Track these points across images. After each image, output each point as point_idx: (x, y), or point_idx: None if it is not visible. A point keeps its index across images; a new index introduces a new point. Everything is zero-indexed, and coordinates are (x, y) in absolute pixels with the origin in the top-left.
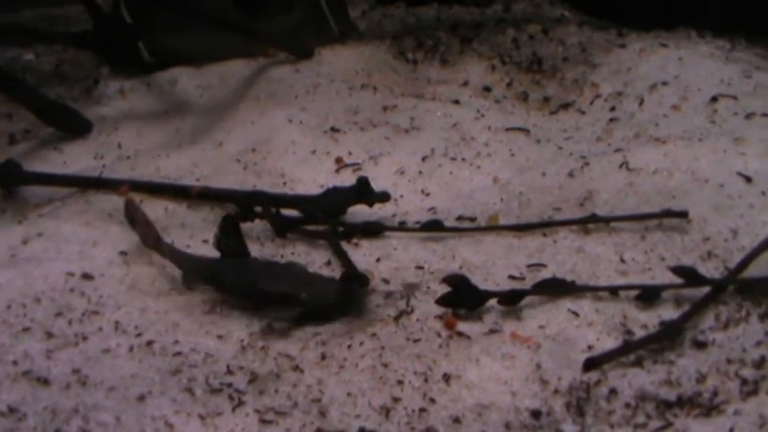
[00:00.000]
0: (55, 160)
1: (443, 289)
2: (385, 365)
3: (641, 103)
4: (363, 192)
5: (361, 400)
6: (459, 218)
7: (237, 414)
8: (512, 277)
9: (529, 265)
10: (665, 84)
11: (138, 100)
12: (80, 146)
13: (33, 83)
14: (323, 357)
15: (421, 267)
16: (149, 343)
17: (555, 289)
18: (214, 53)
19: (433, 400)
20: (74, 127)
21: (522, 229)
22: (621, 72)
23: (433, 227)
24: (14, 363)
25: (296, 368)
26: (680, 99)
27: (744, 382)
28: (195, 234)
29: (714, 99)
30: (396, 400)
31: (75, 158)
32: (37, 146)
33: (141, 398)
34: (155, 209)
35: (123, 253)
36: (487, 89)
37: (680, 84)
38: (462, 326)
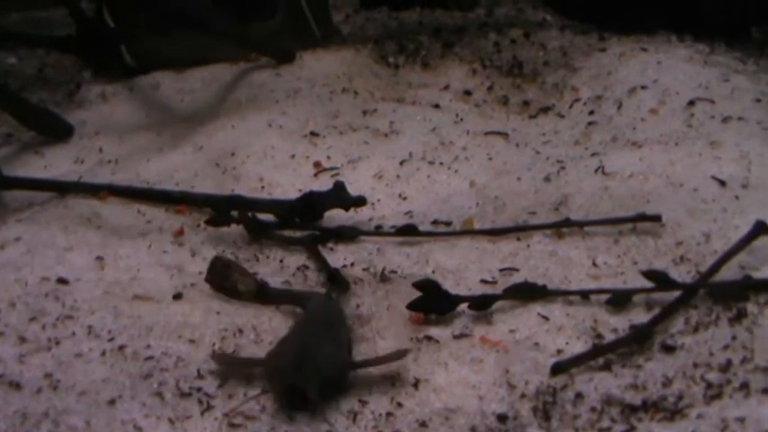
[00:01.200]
0: (36, 164)
1: (415, 294)
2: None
3: (620, 107)
4: (339, 196)
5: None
6: (435, 222)
7: (206, 418)
8: (484, 281)
9: (501, 270)
10: (643, 88)
11: (120, 104)
12: (61, 150)
13: (16, 87)
14: None
15: (394, 272)
16: (121, 347)
17: (526, 293)
18: (196, 57)
19: (400, 404)
20: (55, 131)
21: (496, 233)
22: (601, 76)
23: (407, 231)
24: None
25: None
26: (658, 103)
27: (708, 385)
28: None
29: (691, 103)
30: (363, 403)
31: (57, 163)
32: (18, 150)
33: (112, 402)
34: (131, 213)
35: (99, 258)
36: (468, 93)
37: (658, 88)
38: (432, 330)
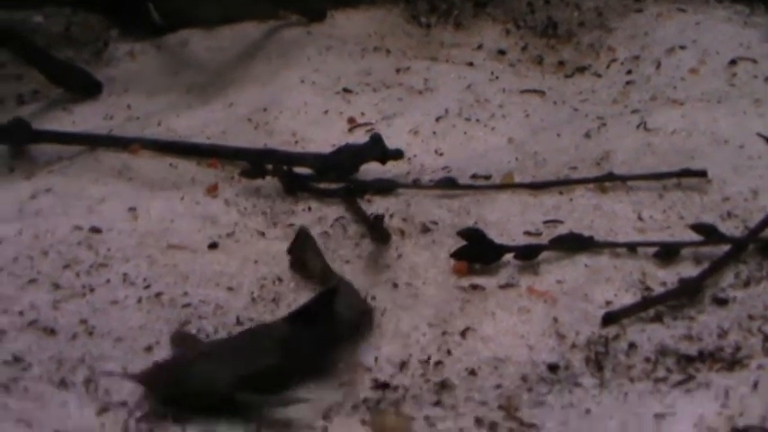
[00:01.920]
0: (64, 121)
1: (458, 243)
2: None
3: (658, 67)
4: (376, 149)
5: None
6: (474, 176)
7: None
8: (528, 233)
9: (545, 222)
10: (682, 48)
11: (148, 62)
12: (90, 107)
13: (42, 45)
14: None
15: (435, 223)
16: (158, 295)
17: (572, 244)
18: (225, 15)
19: (448, 352)
20: (84, 88)
21: (537, 186)
22: (638, 36)
23: (447, 184)
24: (20, 313)
25: None
26: (698, 62)
27: (766, 337)
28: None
29: (733, 62)
30: (410, 353)
31: (85, 119)
32: (46, 107)
33: (149, 348)
34: (163, 166)
35: (132, 209)
36: (502, 53)
37: (698, 48)
38: (477, 280)
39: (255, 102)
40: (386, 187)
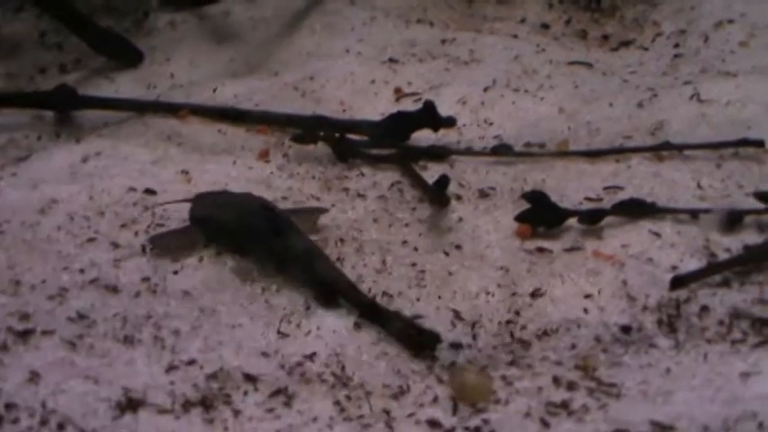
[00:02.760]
0: (107, 89)
1: (519, 208)
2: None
3: (706, 41)
4: (429, 116)
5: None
6: (527, 144)
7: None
8: (588, 199)
9: (605, 188)
10: (730, 21)
11: (190, 32)
12: (132, 75)
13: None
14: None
15: (492, 188)
16: (219, 253)
17: (635, 210)
18: None
19: (519, 313)
20: (125, 57)
21: (594, 154)
22: (684, 10)
23: (502, 151)
24: (81, 271)
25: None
26: (747, 36)
27: None
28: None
29: None
30: (481, 313)
31: (128, 88)
32: (88, 75)
33: (212, 306)
34: (212, 132)
35: (184, 172)
36: (545, 26)
37: (746, 21)
38: (542, 243)
39: (301, 71)
40: (440, 153)
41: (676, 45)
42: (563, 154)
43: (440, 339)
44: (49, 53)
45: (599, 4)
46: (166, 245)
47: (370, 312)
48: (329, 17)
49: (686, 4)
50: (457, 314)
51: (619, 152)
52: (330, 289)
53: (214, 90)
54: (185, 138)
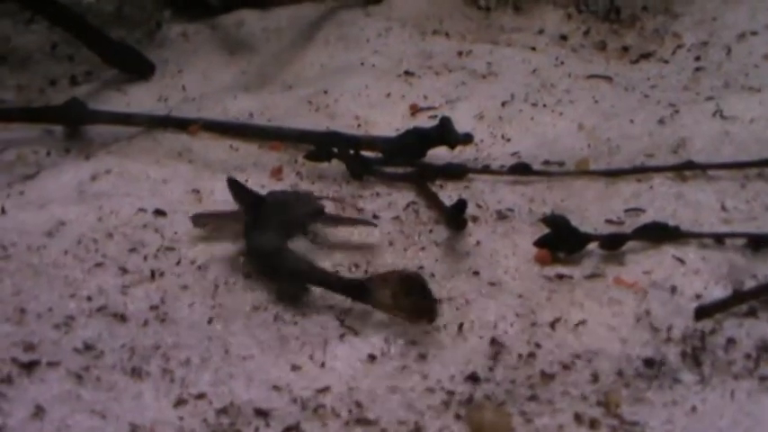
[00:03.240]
0: (118, 102)
1: (538, 231)
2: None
3: (729, 53)
4: (445, 133)
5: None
6: (546, 163)
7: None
8: (609, 221)
9: (626, 210)
10: (753, 33)
11: (203, 43)
12: (143, 88)
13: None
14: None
15: (511, 210)
16: (230, 281)
17: (658, 234)
18: None
19: (539, 345)
20: (137, 69)
21: (614, 174)
22: (705, 22)
23: (520, 170)
24: (89, 298)
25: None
26: None
27: None
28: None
29: None
30: (501, 345)
31: (139, 100)
32: (100, 87)
33: (222, 336)
34: (223, 148)
35: (195, 191)
36: (564, 38)
37: None
38: (562, 269)
39: (315, 84)
40: (456, 172)
41: (697, 58)
42: (583, 173)
43: (435, 308)
44: (60, 65)
45: (618, 15)
46: (206, 223)
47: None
48: (344, 28)
49: (708, 15)
50: (472, 344)
51: (640, 172)
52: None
53: (221, 105)
54: (196, 154)
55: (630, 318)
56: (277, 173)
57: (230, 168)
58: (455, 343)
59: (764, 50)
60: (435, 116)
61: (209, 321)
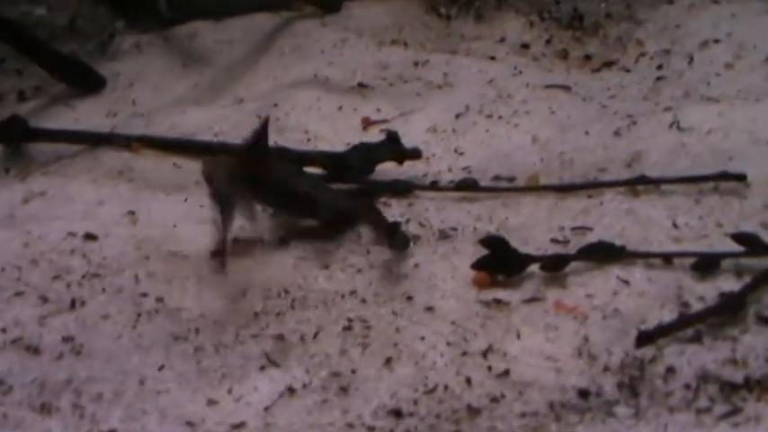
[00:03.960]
0: (66, 117)
1: (480, 252)
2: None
3: (691, 62)
4: (393, 148)
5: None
6: (496, 178)
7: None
8: (554, 241)
9: (573, 228)
10: (716, 41)
11: (155, 55)
12: (93, 103)
13: (45, 38)
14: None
15: (454, 229)
16: (154, 308)
17: (603, 254)
18: (235, 6)
19: (468, 377)
20: (86, 83)
21: (564, 189)
22: (669, 29)
23: (467, 186)
24: (3, 330)
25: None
26: (733, 57)
27: None
28: None
29: None
30: (426, 375)
31: (88, 115)
32: (48, 103)
33: (139, 369)
34: (166, 166)
35: (131, 212)
36: (525, 46)
37: (733, 41)
38: (500, 293)
39: (266, 97)
40: (402, 189)
41: (659, 66)
42: (532, 189)
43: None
44: (7, 80)
45: (582, 22)
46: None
47: None
48: (299, 39)
49: (671, 23)
50: (399, 377)
51: (591, 187)
52: None
53: (166, 121)
54: (137, 173)
55: (568, 345)
56: None
57: (170, 187)
58: (380, 375)
59: (726, 59)
60: (387, 129)
61: (127, 353)
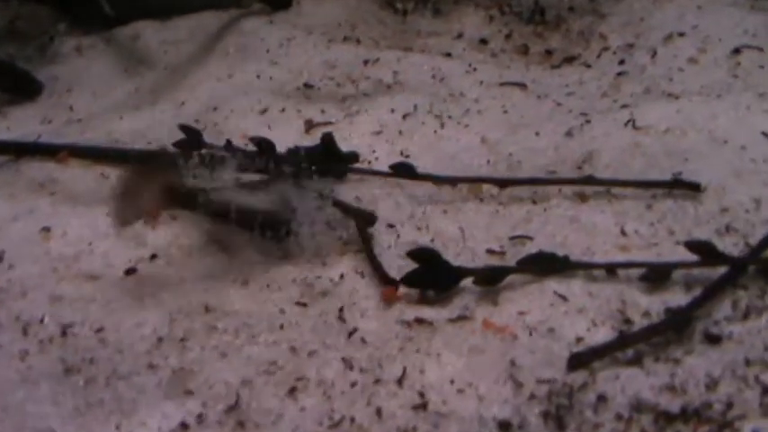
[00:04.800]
0: None
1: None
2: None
3: (654, 56)
4: (328, 151)
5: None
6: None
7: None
8: (491, 251)
9: (512, 237)
10: (681, 35)
11: (97, 58)
12: (28, 109)
13: None
14: None
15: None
16: (56, 337)
17: (543, 266)
18: (182, 5)
19: (379, 408)
20: (22, 89)
21: (504, 184)
22: (633, 23)
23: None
24: None
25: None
26: (698, 51)
27: (765, 390)
28: None
29: (737, 51)
30: (332, 407)
31: (21, 123)
32: None
33: (22, 405)
34: (93, 177)
35: (46, 229)
36: (483, 42)
37: (698, 34)
38: (425, 311)
39: (207, 100)
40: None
41: (622, 62)
42: (468, 180)
43: None
44: None
45: (543, 16)
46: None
47: None
48: (244, 38)
49: (636, 15)
50: (303, 409)
51: (533, 183)
52: None
53: (99, 126)
54: (61, 185)
55: (492, 370)
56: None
57: (93, 201)
58: (283, 406)
59: (690, 53)
60: (324, 132)
61: (12, 387)
